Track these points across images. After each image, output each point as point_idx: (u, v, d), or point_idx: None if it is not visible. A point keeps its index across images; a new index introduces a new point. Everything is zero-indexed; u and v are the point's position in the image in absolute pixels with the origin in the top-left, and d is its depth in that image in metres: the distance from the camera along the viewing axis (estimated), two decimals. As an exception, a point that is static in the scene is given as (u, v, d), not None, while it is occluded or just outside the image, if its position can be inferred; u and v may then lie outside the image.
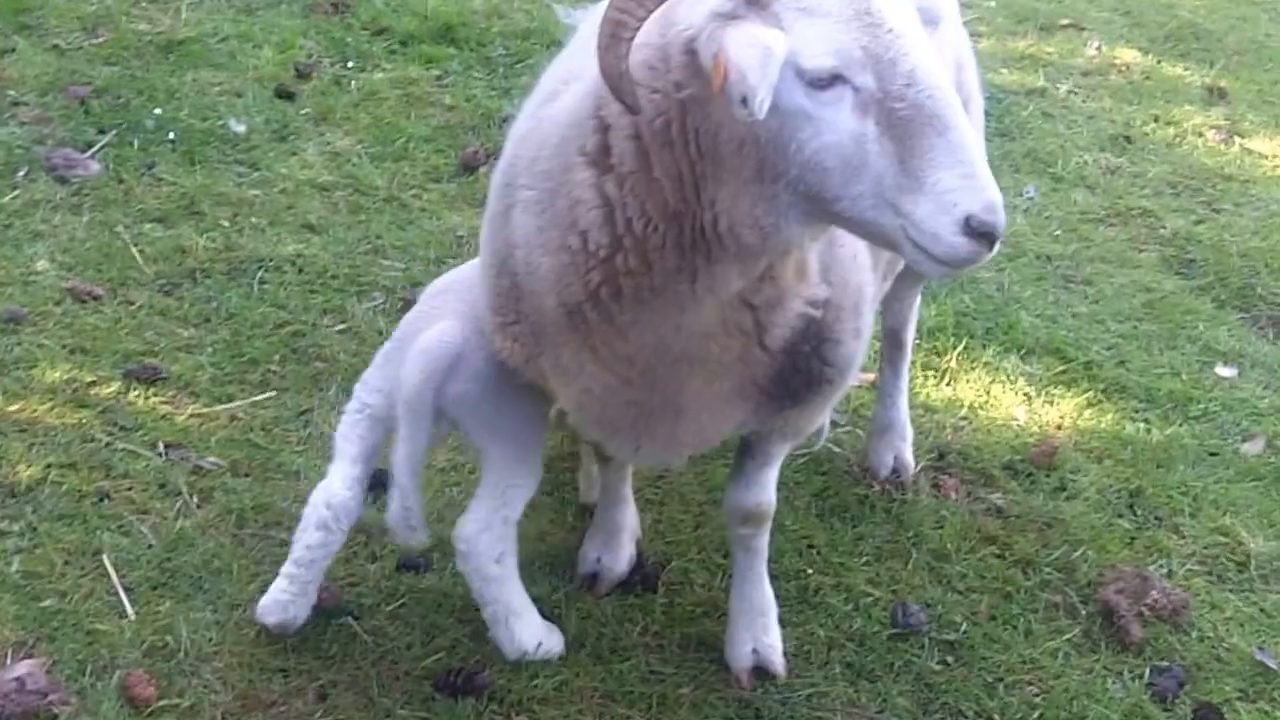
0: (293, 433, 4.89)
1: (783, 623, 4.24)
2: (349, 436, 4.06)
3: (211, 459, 4.69)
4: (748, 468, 3.95)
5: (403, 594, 4.28)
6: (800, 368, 3.47)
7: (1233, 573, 4.85)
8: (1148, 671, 4.38)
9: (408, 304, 4.62)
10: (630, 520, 4.44)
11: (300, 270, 5.77)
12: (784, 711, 4.09)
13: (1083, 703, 4.24)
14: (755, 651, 4.16)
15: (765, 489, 3.98)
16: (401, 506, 3.90)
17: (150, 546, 4.32)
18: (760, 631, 4.17)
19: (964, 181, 2.75)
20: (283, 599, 4.01)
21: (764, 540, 4.12)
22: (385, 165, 6.57)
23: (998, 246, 2.82)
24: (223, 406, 4.95)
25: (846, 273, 3.46)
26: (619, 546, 4.40)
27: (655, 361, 3.30)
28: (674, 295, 3.13)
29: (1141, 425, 5.50)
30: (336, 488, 3.99)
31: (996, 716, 4.17)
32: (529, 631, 4.03)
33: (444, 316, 3.88)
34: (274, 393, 5.05)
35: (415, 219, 6.23)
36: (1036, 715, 4.18)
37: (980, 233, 2.75)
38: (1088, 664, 4.40)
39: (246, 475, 4.66)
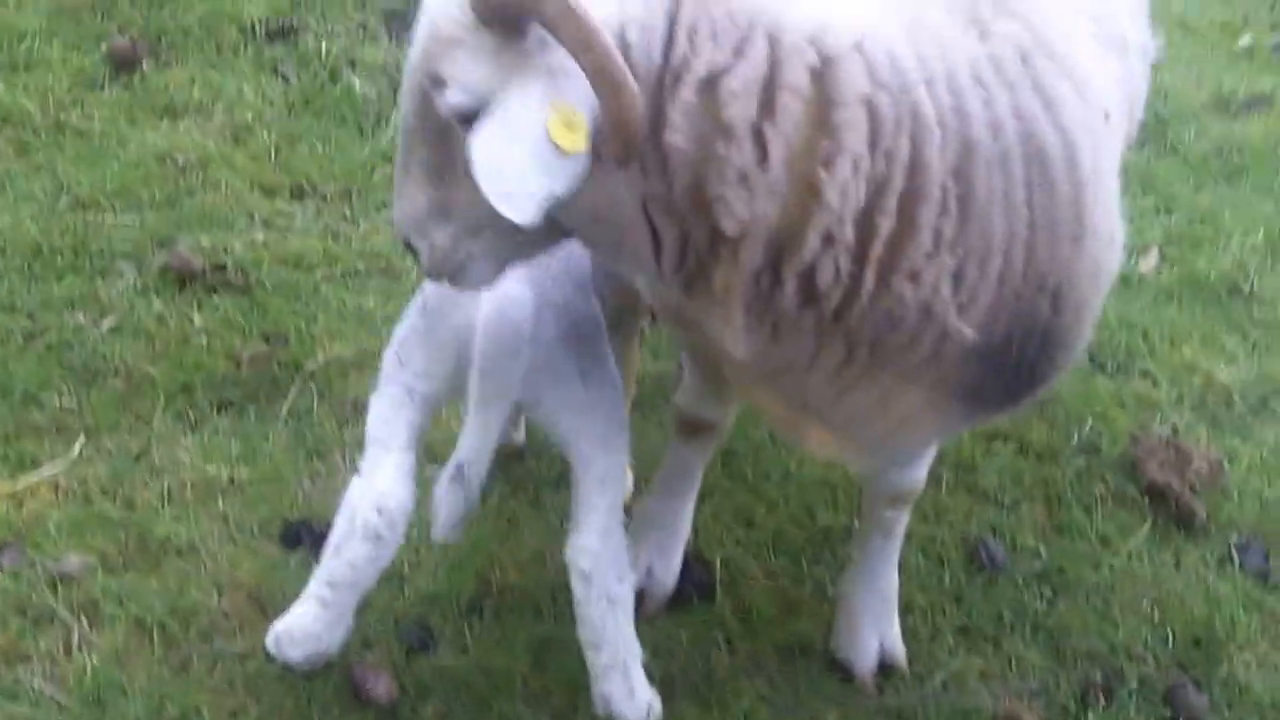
0: (147, 485, 3.59)
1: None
2: (393, 422, 3.00)
3: (72, 558, 3.35)
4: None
5: (428, 685, 3.19)
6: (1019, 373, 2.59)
7: (1224, 413, 4.48)
8: (1232, 551, 3.93)
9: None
10: (689, 518, 3.51)
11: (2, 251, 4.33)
12: (929, 710, 3.35)
13: (1200, 607, 3.73)
14: (881, 646, 3.39)
15: (921, 465, 3.19)
16: (466, 507, 2.91)
17: (65, 710, 3.02)
18: (886, 624, 3.40)
19: None
20: (314, 628, 2.99)
21: (905, 521, 3.33)
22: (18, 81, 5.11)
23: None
24: (31, 478, 3.57)
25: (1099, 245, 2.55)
26: (673, 552, 3.47)
27: None
28: None
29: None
30: (389, 484, 2.94)
31: (1132, 648, 3.60)
32: (645, 682, 3.10)
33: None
34: (83, 438, 3.70)
35: (102, 148, 4.85)
36: (1171, 637, 3.64)
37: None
38: (1174, 559, 3.90)
39: (128, 566, 3.37)
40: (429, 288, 2.96)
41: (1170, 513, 4.01)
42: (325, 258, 4.57)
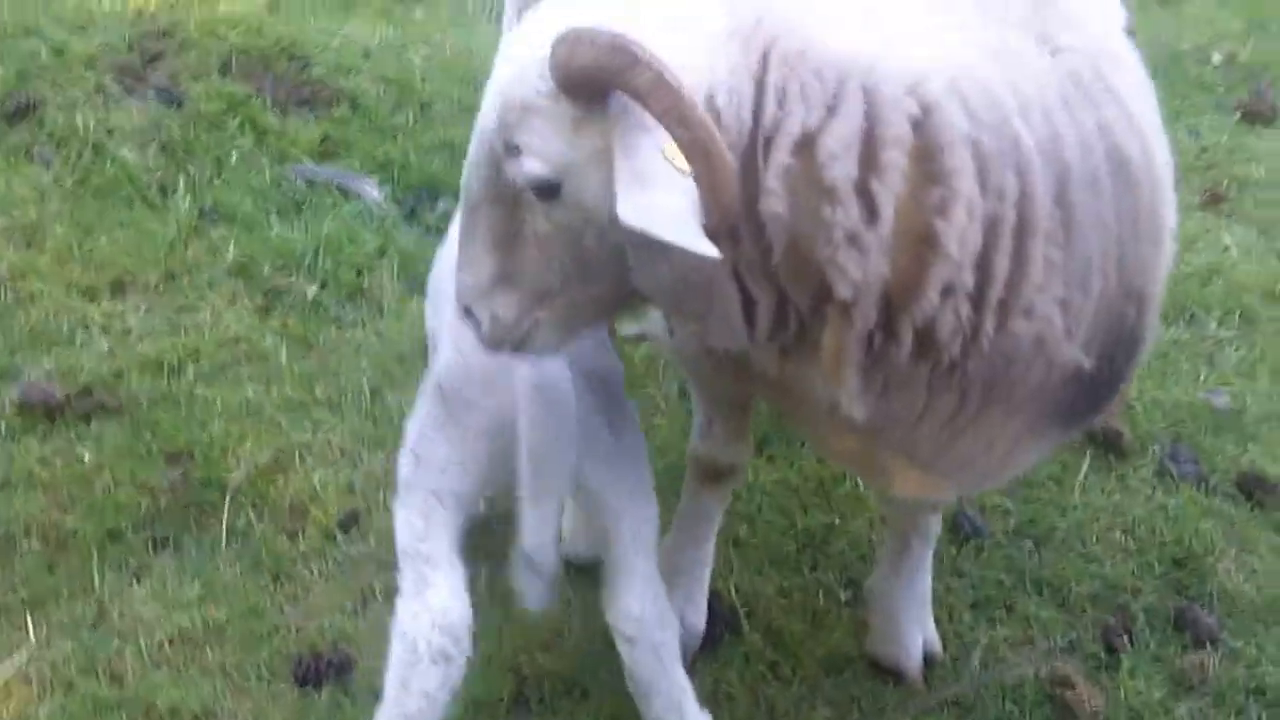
0: (123, 653, 3.25)
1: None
2: (427, 531, 2.76)
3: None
4: None
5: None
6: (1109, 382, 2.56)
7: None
8: (1165, 463, 4.12)
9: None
10: (711, 560, 3.41)
11: None
12: (983, 692, 3.39)
13: (1169, 530, 3.88)
14: (925, 641, 3.40)
15: None
16: (549, 582, 2.77)
17: None
18: (925, 620, 3.42)
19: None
20: None
21: (939, 521, 3.33)
22: None
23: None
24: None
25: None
26: (701, 595, 3.38)
27: None
28: None
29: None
30: (445, 600, 2.73)
31: (1127, 583, 3.72)
32: (698, 712, 3.00)
33: None
34: (28, 617, 3.32)
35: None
36: (1155, 565, 3.78)
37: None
38: (1120, 484, 4.06)
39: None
40: (443, 372, 2.76)
41: (1100, 440, 4.16)
42: (185, 355, 4.23)
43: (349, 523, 3.65)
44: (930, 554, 3.39)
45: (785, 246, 2.19)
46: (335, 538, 3.62)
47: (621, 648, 2.89)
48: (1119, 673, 3.43)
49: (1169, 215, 2.48)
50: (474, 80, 5.27)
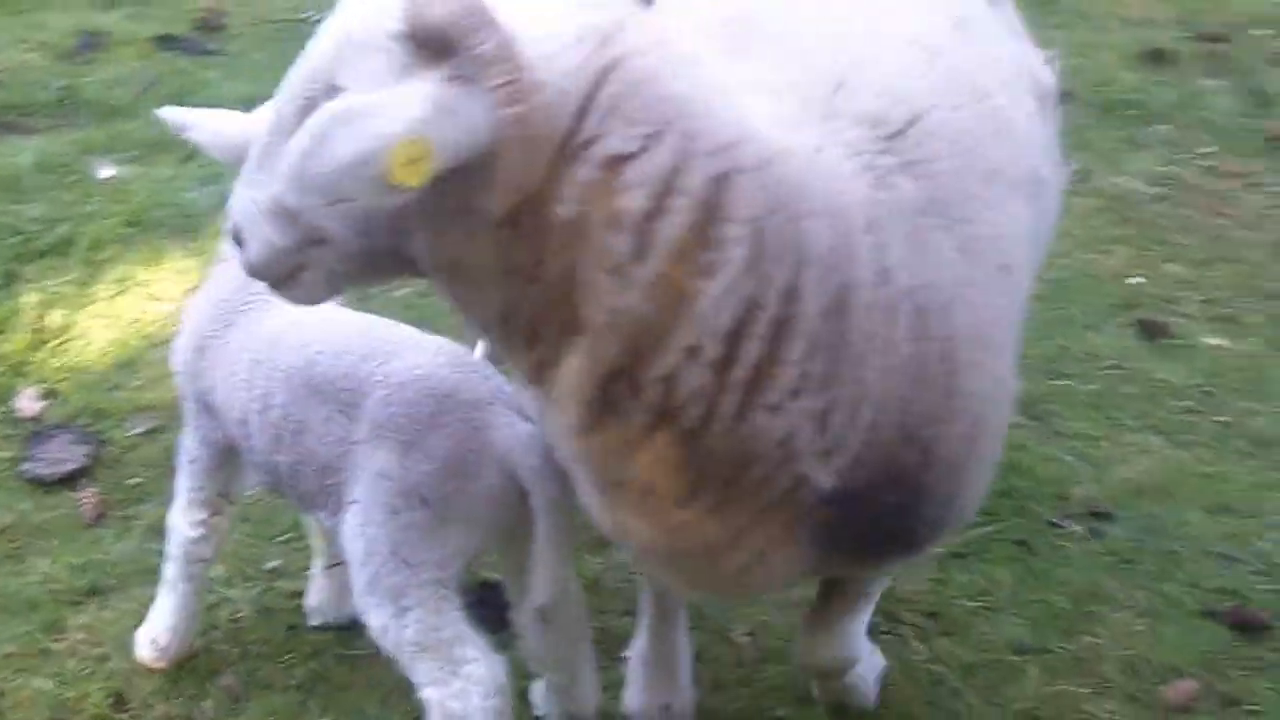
0: None
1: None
2: (445, 617, 2.72)
3: None
4: (831, 610, 3.05)
5: None
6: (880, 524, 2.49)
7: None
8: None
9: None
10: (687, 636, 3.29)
11: None
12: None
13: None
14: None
15: (849, 642, 3.08)
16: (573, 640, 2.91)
17: None
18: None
19: None
20: None
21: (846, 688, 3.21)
22: None
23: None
24: None
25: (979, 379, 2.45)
26: (683, 681, 3.25)
27: None
28: None
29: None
30: (483, 670, 2.69)
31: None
32: None
33: (494, 406, 2.74)
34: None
35: None
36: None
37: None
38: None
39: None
40: (422, 480, 2.68)
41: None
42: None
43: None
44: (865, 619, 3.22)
45: (558, 258, 2.14)
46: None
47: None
48: None
49: (975, 380, 2.41)
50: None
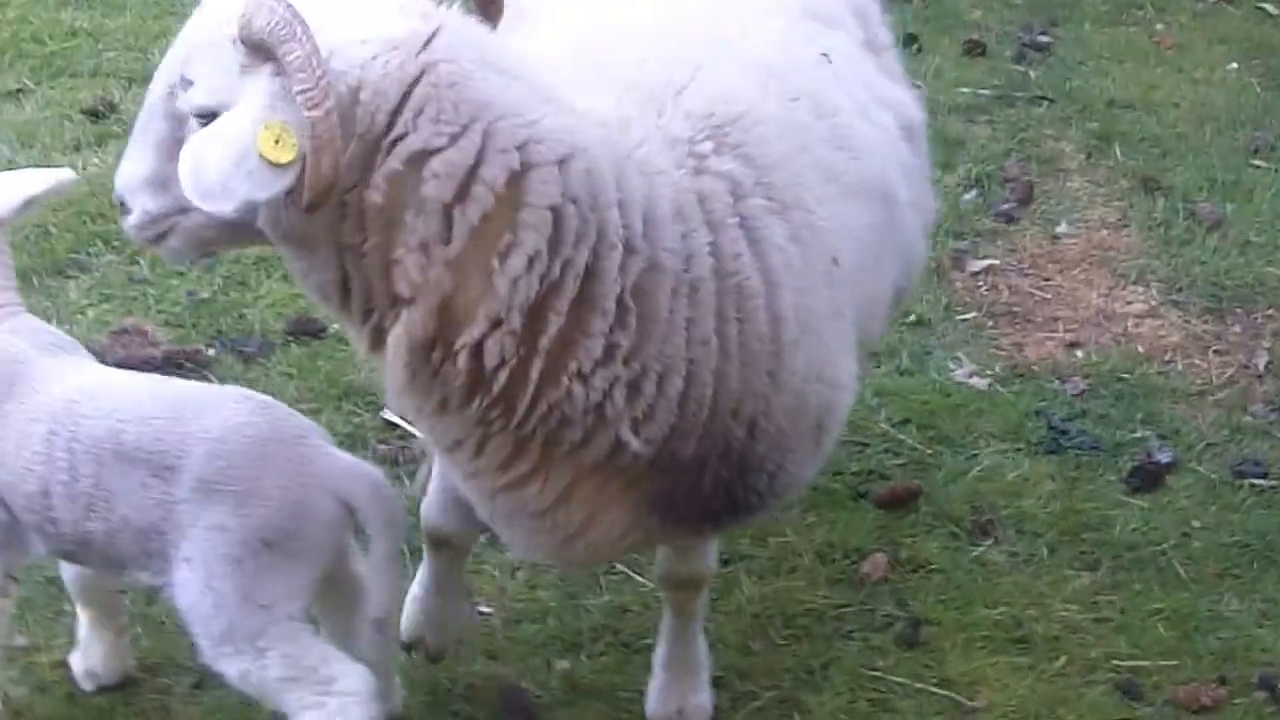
0: None
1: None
2: (303, 647, 2.87)
3: None
4: None
5: None
6: (717, 493, 2.80)
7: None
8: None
9: None
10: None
11: None
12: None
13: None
14: (681, 713, 3.51)
15: (704, 558, 3.34)
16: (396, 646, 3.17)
17: None
18: (689, 691, 3.52)
19: None
20: None
21: (699, 604, 3.46)
22: None
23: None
24: None
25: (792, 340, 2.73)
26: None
27: None
28: None
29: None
30: (354, 682, 2.85)
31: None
32: None
33: (310, 439, 2.96)
34: None
35: None
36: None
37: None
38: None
39: None
40: (263, 528, 2.80)
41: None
42: None
43: None
44: (696, 630, 3.48)
45: (376, 240, 2.48)
46: None
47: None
48: None
49: (801, 360, 2.72)
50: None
